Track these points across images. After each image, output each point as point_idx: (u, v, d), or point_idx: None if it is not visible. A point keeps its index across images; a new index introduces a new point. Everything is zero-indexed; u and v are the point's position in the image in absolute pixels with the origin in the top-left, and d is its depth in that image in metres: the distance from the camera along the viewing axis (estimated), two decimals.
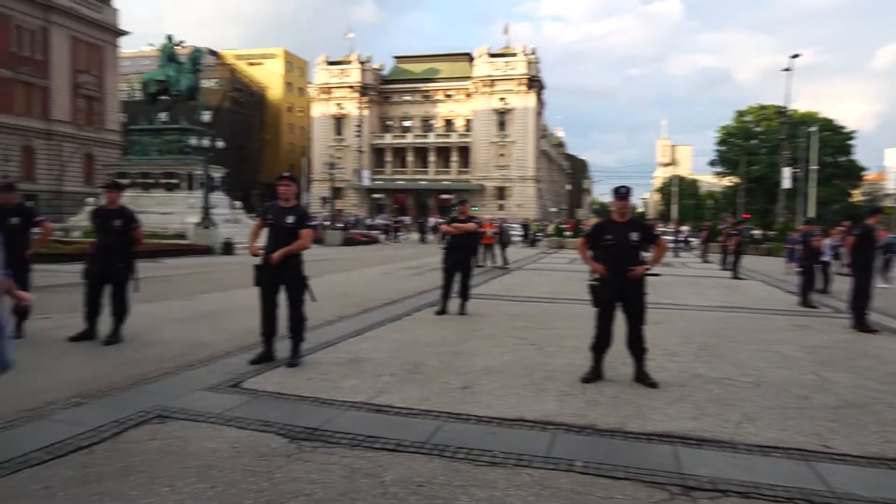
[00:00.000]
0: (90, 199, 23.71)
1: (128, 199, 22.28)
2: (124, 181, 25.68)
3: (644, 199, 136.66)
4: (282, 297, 5.75)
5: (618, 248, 5.27)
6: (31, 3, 43.68)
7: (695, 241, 33.28)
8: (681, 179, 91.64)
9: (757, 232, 35.17)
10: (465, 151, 73.55)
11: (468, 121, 73.65)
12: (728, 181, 66.23)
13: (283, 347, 5.84)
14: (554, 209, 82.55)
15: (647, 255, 5.56)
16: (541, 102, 76.75)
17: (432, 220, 40.40)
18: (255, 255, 5.73)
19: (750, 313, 10.04)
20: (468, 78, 73.29)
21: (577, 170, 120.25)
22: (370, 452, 3.62)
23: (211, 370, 5.47)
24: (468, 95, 73.50)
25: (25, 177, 42.21)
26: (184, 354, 6.03)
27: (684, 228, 38.07)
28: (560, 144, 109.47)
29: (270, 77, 79.88)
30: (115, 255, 6.46)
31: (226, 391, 4.83)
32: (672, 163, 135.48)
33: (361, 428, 4.01)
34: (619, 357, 5.59)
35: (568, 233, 36.97)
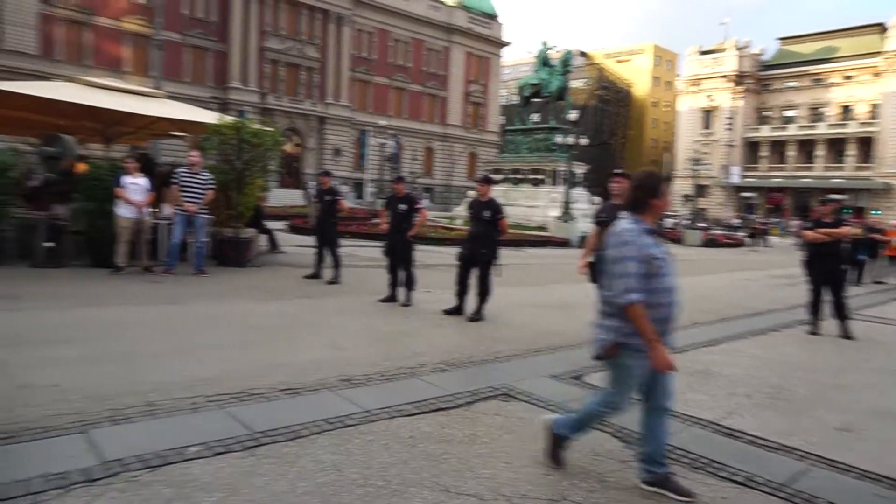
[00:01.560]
0: (470, 192, 27.17)
1: (500, 192, 24.74)
2: (498, 177, 28.62)
3: None
4: None
5: None
6: (438, 27, 52.20)
7: None
8: None
9: None
10: (866, 143, 61.00)
11: (874, 106, 60.78)
12: None
13: None
14: None
15: None
16: None
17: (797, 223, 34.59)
18: (582, 273, 5.67)
19: None
20: (877, 54, 60.26)
21: None
22: (713, 480, 3.23)
23: (556, 359, 5.65)
24: (876, 75, 60.57)
25: (425, 172, 50.94)
26: (533, 339, 6.37)
27: None
28: None
29: (637, 73, 79.23)
30: (483, 241, 7.18)
31: (568, 382, 4.91)
32: None
33: (706, 449, 3.61)
34: None
35: None
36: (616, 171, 5.74)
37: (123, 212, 8.74)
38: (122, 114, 10.46)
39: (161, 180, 9.68)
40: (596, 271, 5.64)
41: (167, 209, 9.39)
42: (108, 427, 3.38)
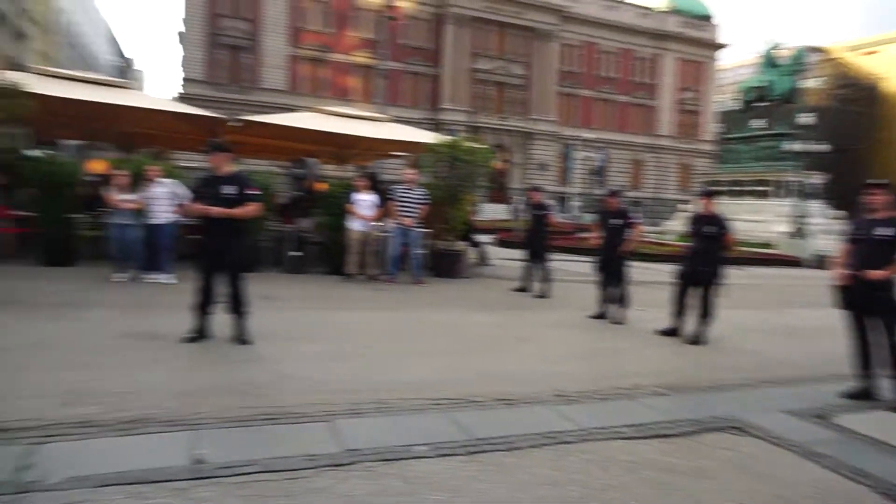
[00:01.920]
0: (681, 206, 25.60)
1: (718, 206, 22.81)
2: (716, 189, 26.52)
3: None
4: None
5: None
6: (647, 35, 50.15)
7: None
8: None
9: None
10: None
11: None
12: None
13: (888, 386, 4.86)
14: None
15: None
16: None
17: None
18: (839, 283, 5.01)
19: None
20: None
21: None
22: None
23: (793, 392, 5.04)
24: None
25: (633, 186, 49.03)
26: (762, 368, 5.76)
27: None
28: None
29: (890, 65, 68.05)
30: (705, 259, 6.67)
31: (809, 420, 4.34)
32: None
33: None
34: None
35: None
36: (872, 181, 5.01)
37: (355, 225, 9.72)
38: (354, 137, 11.68)
39: (382, 197, 10.60)
40: (845, 296, 4.95)
41: (390, 223, 10.24)
42: (348, 419, 3.76)
